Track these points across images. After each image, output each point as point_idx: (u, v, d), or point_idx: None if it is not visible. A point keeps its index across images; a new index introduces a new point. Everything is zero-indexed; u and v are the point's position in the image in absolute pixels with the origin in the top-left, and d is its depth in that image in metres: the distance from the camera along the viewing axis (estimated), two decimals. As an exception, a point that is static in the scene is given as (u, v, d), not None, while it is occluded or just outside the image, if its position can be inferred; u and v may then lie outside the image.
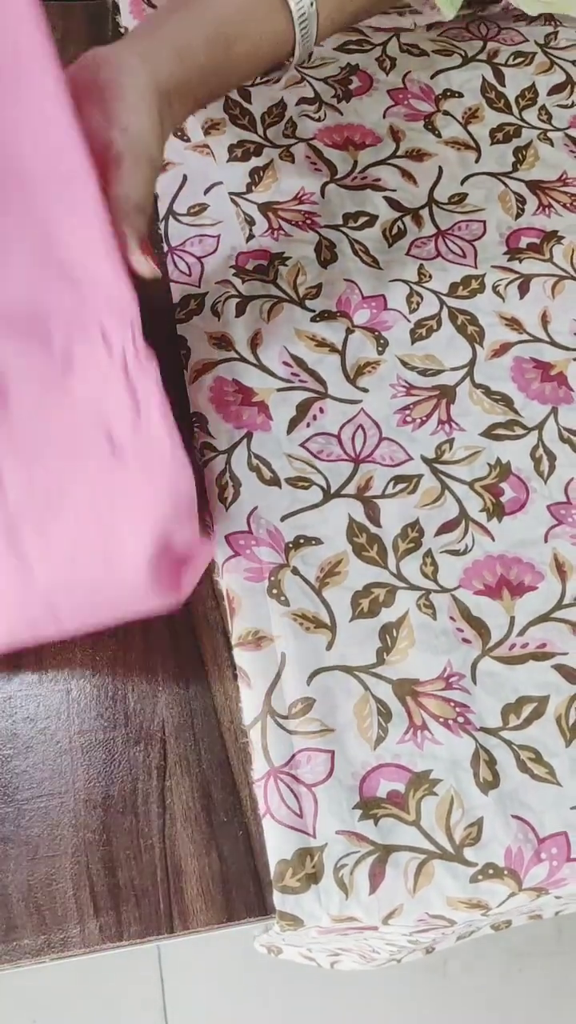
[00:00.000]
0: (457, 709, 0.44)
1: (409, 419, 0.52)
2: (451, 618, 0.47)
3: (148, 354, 0.38)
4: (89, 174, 0.35)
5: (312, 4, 0.47)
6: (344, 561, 0.48)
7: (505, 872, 0.41)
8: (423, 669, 0.45)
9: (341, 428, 0.52)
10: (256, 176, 0.61)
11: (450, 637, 0.46)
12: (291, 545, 0.48)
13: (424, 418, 0.52)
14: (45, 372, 0.38)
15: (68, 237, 0.36)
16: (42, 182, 0.35)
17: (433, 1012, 0.90)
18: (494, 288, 0.58)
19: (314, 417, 0.53)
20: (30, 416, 0.38)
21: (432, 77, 0.68)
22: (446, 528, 0.49)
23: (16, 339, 0.37)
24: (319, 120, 0.64)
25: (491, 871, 0.41)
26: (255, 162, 0.61)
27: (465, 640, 0.46)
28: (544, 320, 0.57)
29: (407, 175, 0.62)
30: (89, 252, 0.36)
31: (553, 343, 0.56)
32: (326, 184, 0.61)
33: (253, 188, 0.60)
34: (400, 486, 0.50)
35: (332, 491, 0.50)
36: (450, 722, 0.44)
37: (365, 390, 0.53)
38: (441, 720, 0.44)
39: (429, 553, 0.48)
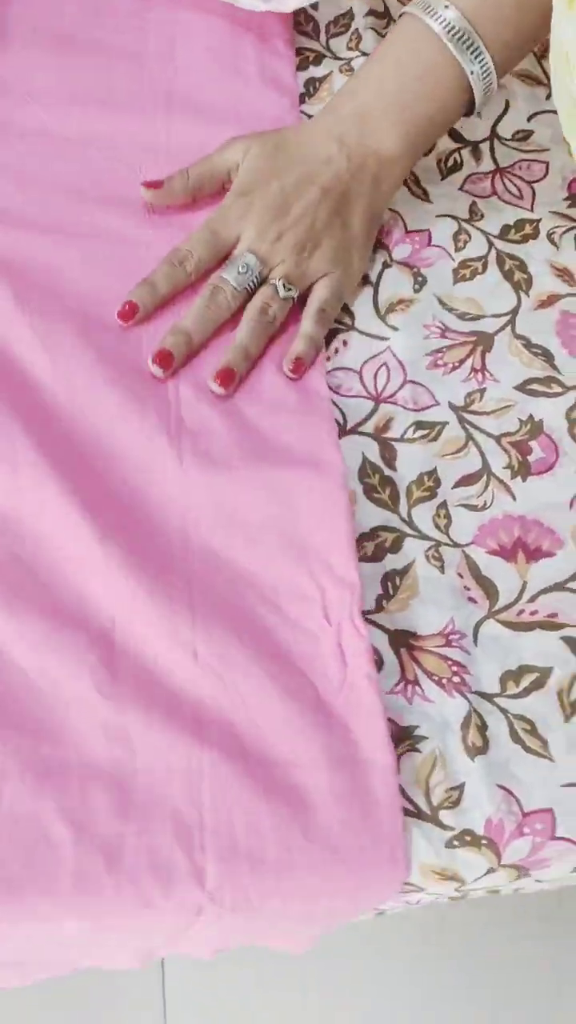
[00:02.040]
0: (454, 668, 0.42)
1: (441, 363, 0.49)
2: (459, 575, 0.44)
3: (364, 628, 0.41)
4: (342, 488, 0.44)
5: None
6: (353, 500, 0.45)
7: (483, 842, 0.39)
8: (423, 623, 0.43)
9: (364, 364, 0.49)
10: (311, 87, 0.57)
11: (456, 594, 0.44)
12: (299, 478, 0.45)
13: (457, 363, 0.49)
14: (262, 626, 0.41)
15: (314, 530, 0.43)
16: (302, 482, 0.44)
17: (430, 975, 0.90)
18: (549, 235, 0.54)
19: (336, 350, 0.49)
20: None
21: (509, 7, 0.63)
22: (466, 481, 0.46)
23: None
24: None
25: (468, 838, 0.39)
26: (313, 71, 0.57)
27: (471, 599, 0.44)
28: (597, 275, 0.53)
29: (470, 106, 0.58)
30: (332, 546, 0.43)
31: (604, 301, 0.52)
32: (382, 108, 0.57)
33: (307, 99, 0.56)
34: (421, 432, 0.47)
35: (348, 428, 0.47)
36: (444, 681, 0.42)
37: (395, 328, 0.50)
38: (435, 678, 0.42)
39: (444, 505, 0.45)
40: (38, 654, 0.39)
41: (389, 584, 0.44)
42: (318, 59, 0.58)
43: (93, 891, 0.36)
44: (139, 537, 0.42)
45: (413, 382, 0.48)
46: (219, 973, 0.88)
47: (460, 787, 0.40)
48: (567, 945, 0.93)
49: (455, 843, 0.39)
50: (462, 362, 0.49)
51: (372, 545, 0.45)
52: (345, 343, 0.50)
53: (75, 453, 0.43)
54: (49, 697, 0.39)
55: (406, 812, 0.39)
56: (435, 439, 0.47)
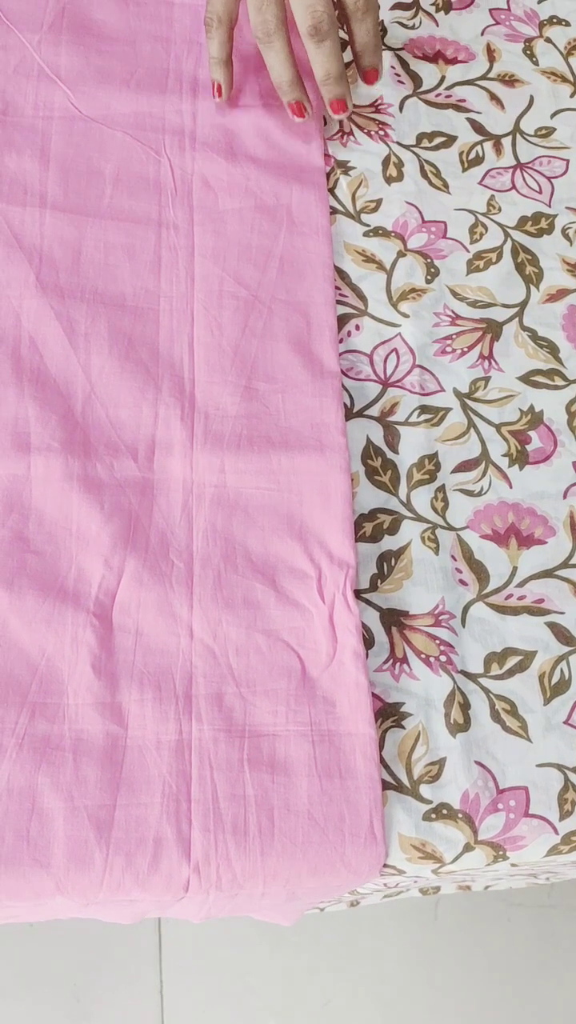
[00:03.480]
0: (441, 647, 0.43)
1: (449, 349, 0.50)
2: (452, 557, 0.45)
3: (355, 606, 0.42)
4: (345, 471, 0.45)
5: None
6: (355, 481, 0.47)
7: (460, 815, 0.40)
8: (414, 603, 0.44)
9: (374, 349, 0.50)
10: (335, 74, 0.58)
11: (448, 576, 0.45)
12: (302, 456, 0.46)
13: (465, 349, 0.50)
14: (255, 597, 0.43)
15: (315, 511, 0.45)
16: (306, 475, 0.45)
17: (423, 958, 0.92)
18: (563, 231, 0.54)
19: (348, 334, 0.51)
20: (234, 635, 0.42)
21: (539, 2, 0.63)
22: (465, 467, 0.47)
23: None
24: (412, 28, 0.61)
25: (445, 811, 0.40)
26: (337, 59, 0.58)
27: (462, 582, 0.45)
28: (609, 273, 0.53)
29: (495, 99, 0.59)
30: (331, 528, 0.44)
31: (614, 298, 0.53)
32: (407, 98, 0.58)
33: (330, 86, 0.57)
34: (425, 416, 0.48)
35: (355, 410, 0.48)
36: (431, 659, 0.43)
37: (406, 315, 0.51)
38: (423, 656, 0.43)
39: (442, 488, 0.47)
40: (36, 632, 0.41)
41: (384, 564, 0.45)
42: (343, 46, 0.59)
43: (84, 862, 0.37)
44: (143, 516, 0.44)
45: (421, 367, 0.49)
46: (217, 956, 0.90)
47: (440, 762, 0.41)
48: (556, 934, 0.94)
49: (432, 816, 0.41)
50: (471, 347, 0.50)
51: (371, 526, 0.46)
52: (358, 327, 0.51)
53: (87, 433, 0.45)
54: (46, 674, 0.40)
55: (387, 785, 0.41)
56: (438, 424, 0.48)
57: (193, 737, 0.40)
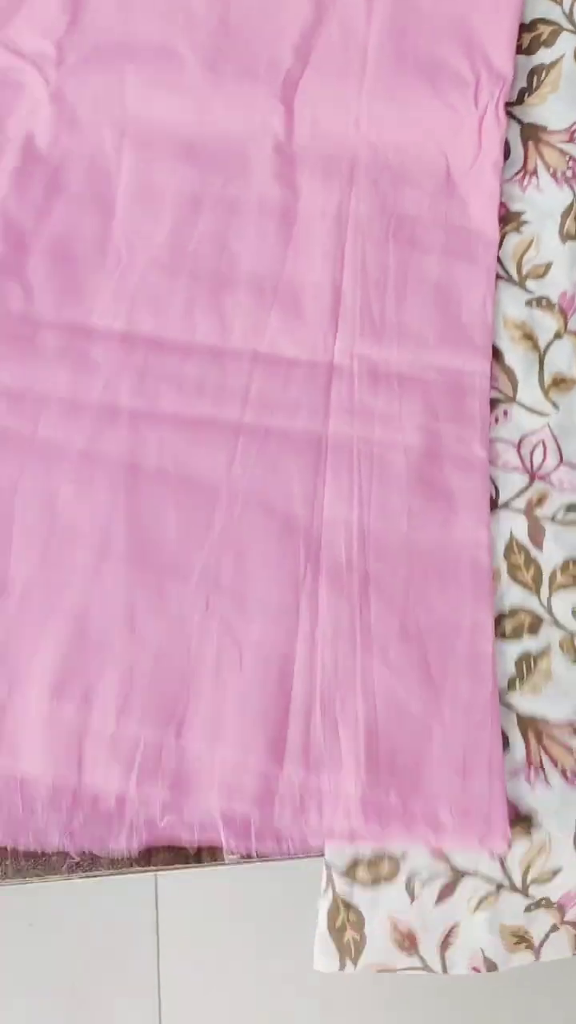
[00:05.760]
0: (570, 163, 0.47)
1: (599, 447, 0.49)
2: (592, 667, 0.45)
3: (504, 118, 0.48)
4: None
5: None
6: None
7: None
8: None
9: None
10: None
11: (586, 686, 0.45)
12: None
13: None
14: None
15: (485, 22, 0.49)
16: None
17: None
18: None
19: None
20: None
21: None
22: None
23: None
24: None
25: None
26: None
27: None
28: None
29: None
30: (496, 39, 0.49)
31: None
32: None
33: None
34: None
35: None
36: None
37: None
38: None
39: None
40: (235, 110, 0.49)
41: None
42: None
43: None
44: (329, 8, 0.50)
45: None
46: (215, 955, 0.90)
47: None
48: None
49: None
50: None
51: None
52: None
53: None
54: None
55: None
56: (585, 524, 0.48)
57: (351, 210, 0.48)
